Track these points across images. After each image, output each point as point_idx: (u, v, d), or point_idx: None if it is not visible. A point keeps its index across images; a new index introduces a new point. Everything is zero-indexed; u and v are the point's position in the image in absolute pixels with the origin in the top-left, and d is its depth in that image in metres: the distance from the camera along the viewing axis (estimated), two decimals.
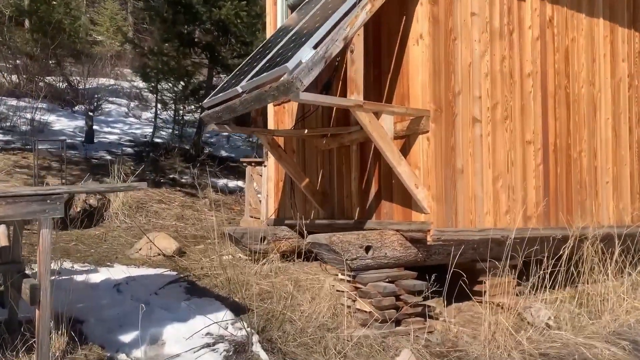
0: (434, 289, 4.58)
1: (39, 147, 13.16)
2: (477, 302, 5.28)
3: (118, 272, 5.50)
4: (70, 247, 6.51)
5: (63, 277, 5.20)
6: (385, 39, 5.02)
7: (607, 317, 5.06)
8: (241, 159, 7.80)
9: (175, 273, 5.68)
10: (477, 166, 4.82)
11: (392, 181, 4.87)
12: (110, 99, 21.11)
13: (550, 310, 4.95)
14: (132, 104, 20.69)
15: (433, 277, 4.72)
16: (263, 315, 4.64)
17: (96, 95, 20.18)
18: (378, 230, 4.82)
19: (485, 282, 5.21)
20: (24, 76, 18.73)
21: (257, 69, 4.57)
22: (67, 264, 5.83)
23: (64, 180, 7.88)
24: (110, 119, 18.73)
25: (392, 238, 4.74)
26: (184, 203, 9.53)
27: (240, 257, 6.56)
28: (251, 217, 7.27)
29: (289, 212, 6.34)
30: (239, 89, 4.51)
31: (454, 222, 4.65)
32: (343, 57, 5.25)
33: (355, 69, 4.11)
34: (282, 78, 3.91)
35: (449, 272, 4.60)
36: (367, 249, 4.60)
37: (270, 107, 6.77)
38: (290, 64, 3.81)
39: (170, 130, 16.27)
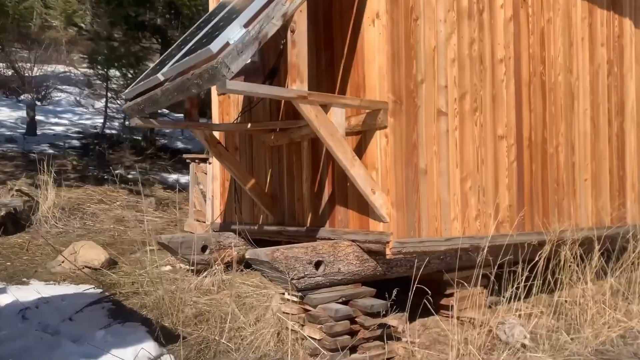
0: (395, 303, 3.98)
1: None
2: (445, 317, 4.71)
3: (31, 291, 4.70)
4: None
5: None
6: (337, 16, 4.32)
7: (588, 331, 4.53)
8: (184, 155, 7.03)
9: (99, 291, 4.92)
10: (442, 165, 4.19)
11: (347, 184, 4.21)
12: (61, 87, 19.87)
13: (526, 326, 4.39)
14: (84, 92, 19.46)
15: (394, 292, 4.10)
16: (195, 345, 3.95)
17: (45, 84, 18.93)
18: (331, 240, 4.15)
19: (453, 295, 4.63)
20: None
21: (183, 51, 3.83)
22: None
23: None
24: (59, 109, 17.56)
25: (347, 250, 4.09)
26: (127, 203, 8.70)
27: (181, 267, 5.83)
28: (196, 220, 6.53)
29: (240, 214, 5.63)
30: (160, 76, 3.77)
31: (417, 231, 4.02)
32: None
33: (298, 52, 3.41)
34: (207, 64, 3.18)
35: (412, 287, 3.97)
36: (318, 264, 3.94)
37: (215, 97, 6.02)
38: (215, 46, 3.09)
39: (122, 121, 15.26)
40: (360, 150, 4.10)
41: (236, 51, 3.09)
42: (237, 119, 5.18)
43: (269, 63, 5.04)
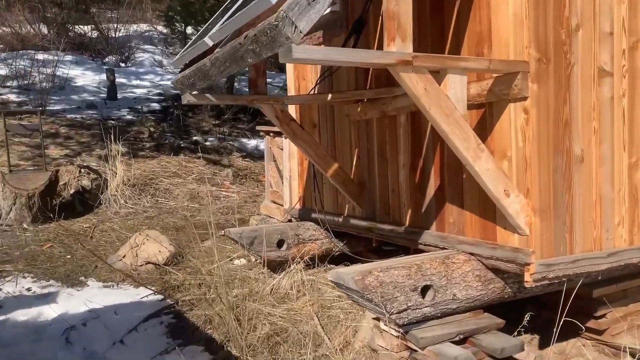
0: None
1: (53, 108, 11.93)
2: (592, 341, 3.57)
3: (85, 298, 4.05)
4: (42, 252, 5.14)
5: (10, 313, 3.81)
6: None
7: None
8: (257, 127, 6.12)
9: (160, 298, 4.19)
10: (604, 149, 2.93)
11: (462, 175, 3.08)
12: (144, 47, 19.61)
13: None
14: (166, 51, 19.04)
15: (526, 317, 3.01)
16: None
17: (128, 44, 18.71)
18: (441, 253, 3.07)
19: (606, 317, 3.46)
20: (53, 26, 17.41)
21: (236, 5, 2.80)
22: (25, 282, 4.45)
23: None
24: (141, 70, 17.27)
25: (465, 268, 3.00)
26: (203, 174, 8.01)
27: (256, 261, 5.00)
28: (273, 202, 5.65)
29: (321, 200, 4.65)
30: (208, 40, 2.78)
31: (569, 245, 2.84)
32: None
33: None
34: (264, 21, 2.14)
35: (560, 316, 2.85)
36: (424, 290, 2.89)
37: None
38: None
39: None
40: (483, 132, 2.93)
41: (305, 1, 2.01)
42: (314, 87, 4.11)
43: (353, 12, 3.90)
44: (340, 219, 4.32)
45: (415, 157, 3.51)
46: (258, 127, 5.91)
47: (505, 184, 2.67)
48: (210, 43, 2.77)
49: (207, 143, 9.83)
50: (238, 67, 2.60)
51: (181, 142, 9.64)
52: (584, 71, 2.84)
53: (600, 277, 3.06)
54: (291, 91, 4.87)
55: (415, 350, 2.91)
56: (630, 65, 3.00)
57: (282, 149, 5.33)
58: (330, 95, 3.71)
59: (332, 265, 4.60)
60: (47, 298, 4.07)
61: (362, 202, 4.07)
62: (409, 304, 2.81)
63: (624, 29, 2.96)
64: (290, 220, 5.17)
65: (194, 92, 3.41)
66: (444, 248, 3.28)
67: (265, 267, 4.66)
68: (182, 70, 3.38)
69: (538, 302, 3.73)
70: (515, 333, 3.19)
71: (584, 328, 2.99)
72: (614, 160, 2.97)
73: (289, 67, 4.99)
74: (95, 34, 18.40)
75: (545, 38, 2.70)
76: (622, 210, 3.01)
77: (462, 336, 2.92)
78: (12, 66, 13.85)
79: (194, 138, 10.01)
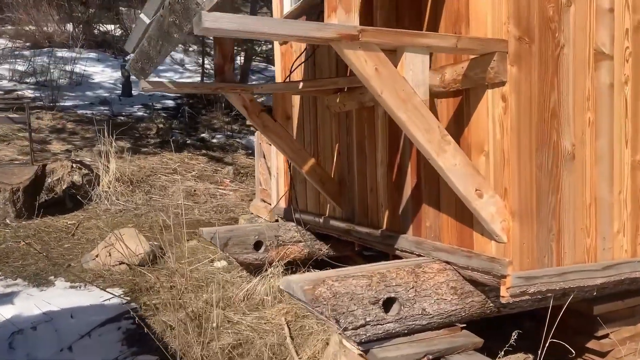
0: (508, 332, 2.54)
1: (65, 104, 11.89)
2: None
3: (45, 299, 3.81)
4: (17, 249, 4.94)
5: None
6: None
7: None
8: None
9: (124, 301, 3.92)
10: (601, 144, 2.52)
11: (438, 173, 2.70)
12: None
13: None
14: (188, 49, 18.95)
15: (513, 335, 2.63)
16: None
17: None
18: (410, 263, 2.70)
19: (608, 337, 3.04)
20: (78, 24, 17.50)
21: None
22: None
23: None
24: (160, 68, 17.24)
25: (438, 279, 2.63)
26: (204, 172, 7.76)
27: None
28: (262, 200, 5.34)
29: (305, 199, 4.33)
30: (143, 17, 2.48)
31: (555, 256, 2.44)
32: None
33: None
34: None
35: (545, 337, 2.48)
36: (388, 303, 2.53)
37: (277, 47, 4.67)
38: None
39: None
40: (460, 123, 2.56)
41: None
42: (288, 75, 3.77)
43: None
44: (321, 220, 3.98)
45: (392, 153, 3.14)
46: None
47: (478, 182, 2.29)
48: (146, 20, 2.48)
49: (214, 140, 9.60)
50: (171, 45, 2.30)
51: (187, 139, 9.43)
52: (578, 53, 2.44)
53: (595, 293, 2.65)
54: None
55: None
56: (635, 48, 2.58)
57: (270, 145, 5.01)
58: (301, 84, 3.38)
59: (316, 270, 4.26)
60: (5, 299, 3.85)
61: (341, 201, 3.73)
62: (368, 319, 2.46)
63: (627, 5, 2.54)
64: (277, 221, 4.86)
65: (148, 80, 3.12)
66: (419, 255, 2.91)
67: (244, 271, 4.36)
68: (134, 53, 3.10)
69: (538, 317, 3.33)
70: (502, 353, 2.82)
71: (573, 352, 2.57)
72: (613, 158, 2.55)
73: (276, 59, 4.68)
74: (118, 31, 18.44)
75: (528, 13, 2.31)
76: (622, 216, 2.59)
77: (430, 357, 2.54)
78: (32, 63, 13.92)
79: (202, 135, 9.79)
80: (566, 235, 2.45)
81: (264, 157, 5.27)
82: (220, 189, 7.13)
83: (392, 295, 2.53)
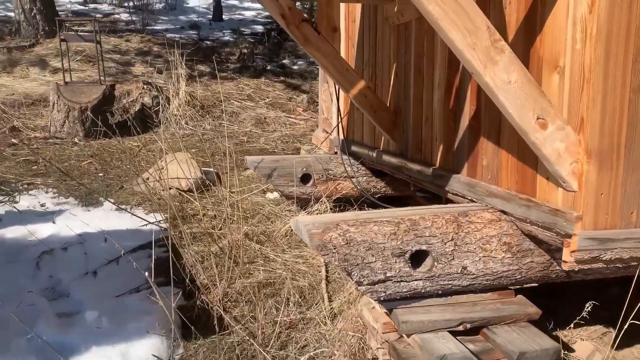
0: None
1: (155, 27, 11.94)
2: None
3: (86, 219, 3.72)
4: (78, 167, 4.93)
5: (2, 229, 3.60)
6: None
7: None
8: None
9: (163, 227, 3.74)
10: None
11: None
12: None
13: None
14: None
15: (587, 307, 2.11)
16: (226, 349, 2.50)
17: None
18: (455, 210, 2.17)
19: None
20: None
21: None
22: (43, 197, 4.25)
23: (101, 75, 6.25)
24: None
25: (488, 231, 2.09)
26: (278, 99, 7.41)
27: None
28: (324, 131, 4.89)
29: (361, 130, 3.84)
30: None
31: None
32: None
33: None
34: None
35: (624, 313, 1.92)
36: (417, 257, 2.05)
37: None
38: None
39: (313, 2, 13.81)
40: (530, 30, 1.92)
41: None
42: None
43: None
44: (374, 154, 3.49)
45: (452, 73, 2.54)
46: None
47: (541, 107, 1.68)
48: None
49: (295, 67, 9.17)
50: None
51: (267, 65, 9.08)
52: None
53: None
54: (342, 35, 4.05)
55: (398, 338, 2.11)
56: None
57: None
58: None
59: (370, 209, 3.83)
60: (49, 216, 3.81)
61: (395, 133, 3.19)
62: (389, 274, 2.00)
63: None
64: (336, 153, 4.42)
65: None
66: (472, 200, 2.36)
67: (295, 204, 4.02)
68: None
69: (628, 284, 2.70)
70: (572, 325, 2.30)
71: None
72: None
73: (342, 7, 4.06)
74: None
75: None
76: None
77: (468, 325, 2.06)
78: None
79: (283, 61, 9.40)
80: None
81: (327, 82, 4.77)
82: (291, 117, 6.77)
83: (424, 247, 2.03)
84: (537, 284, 2.24)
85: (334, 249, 1.95)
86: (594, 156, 1.71)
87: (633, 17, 1.66)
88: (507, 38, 2.08)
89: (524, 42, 1.97)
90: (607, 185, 1.74)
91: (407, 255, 2.02)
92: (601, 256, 1.75)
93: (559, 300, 2.91)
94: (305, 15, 2.99)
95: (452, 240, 2.05)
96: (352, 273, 1.96)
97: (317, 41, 3.01)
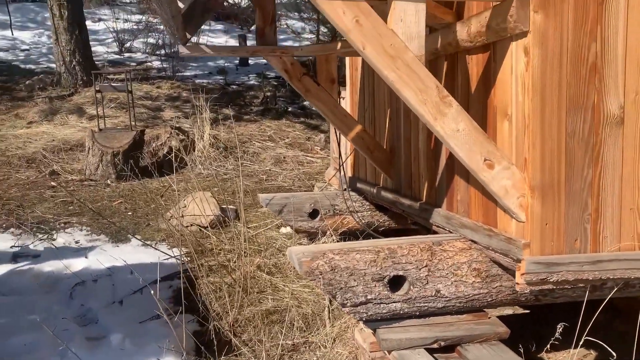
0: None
1: (185, 74, 12.64)
2: None
3: (115, 254, 4.11)
4: (110, 207, 5.37)
5: (41, 263, 4.01)
6: None
7: None
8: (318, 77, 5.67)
9: (182, 261, 4.08)
10: None
11: None
12: (292, 14, 19.91)
13: None
14: (308, 15, 19.08)
15: (558, 328, 2.32)
16: None
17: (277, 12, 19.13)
18: (429, 240, 2.44)
19: None
20: None
21: None
22: (78, 235, 4.67)
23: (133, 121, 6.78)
24: (281, 37, 17.62)
25: (459, 258, 2.36)
26: (297, 139, 7.82)
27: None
28: (335, 168, 5.23)
29: (364, 168, 4.15)
30: None
31: (591, 239, 2.05)
32: None
33: None
34: None
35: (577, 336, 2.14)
36: (395, 281, 2.32)
37: None
38: None
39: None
40: (486, 83, 2.24)
41: None
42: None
43: None
44: (375, 190, 3.79)
45: None
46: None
47: (488, 151, 1.98)
48: None
49: (314, 108, 9.61)
50: (167, 3, 2.26)
51: (289, 107, 9.55)
52: None
53: None
54: (347, 82, 4.50)
55: (383, 357, 2.37)
56: None
57: None
58: (340, 44, 3.18)
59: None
60: (83, 252, 4.21)
61: (390, 171, 3.50)
62: (369, 297, 2.28)
63: None
64: (344, 190, 4.73)
65: (188, 44, 3.14)
66: (450, 231, 2.64)
67: (306, 238, 4.32)
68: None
69: (612, 307, 2.90)
70: (548, 347, 2.51)
71: None
72: None
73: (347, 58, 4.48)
74: (245, 2, 19.06)
75: None
76: None
77: (442, 343, 2.31)
78: (162, 36, 14.92)
79: (304, 103, 9.85)
80: (607, 216, 2.05)
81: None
82: (308, 156, 7.14)
83: (401, 273, 2.31)
84: (509, 306, 2.48)
85: (320, 274, 2.25)
86: (537, 191, 1.99)
87: (563, 74, 1.96)
88: (471, 88, 2.40)
89: (483, 92, 2.28)
90: (551, 216, 2.01)
91: (386, 280, 2.30)
92: (549, 278, 2.01)
93: (548, 326, 3.12)
94: (308, 65, 3.37)
95: (426, 266, 2.33)
96: (337, 296, 2.25)
97: (317, 91, 3.38)
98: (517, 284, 2.04)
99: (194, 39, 14.00)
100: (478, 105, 2.32)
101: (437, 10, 2.28)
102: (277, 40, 3.38)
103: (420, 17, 1.88)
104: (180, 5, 2.65)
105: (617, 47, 1.98)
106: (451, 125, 1.94)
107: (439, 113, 1.92)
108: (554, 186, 2.00)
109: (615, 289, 2.11)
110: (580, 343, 2.19)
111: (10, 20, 14.07)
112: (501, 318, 2.58)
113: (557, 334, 2.37)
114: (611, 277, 2.05)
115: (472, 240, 2.40)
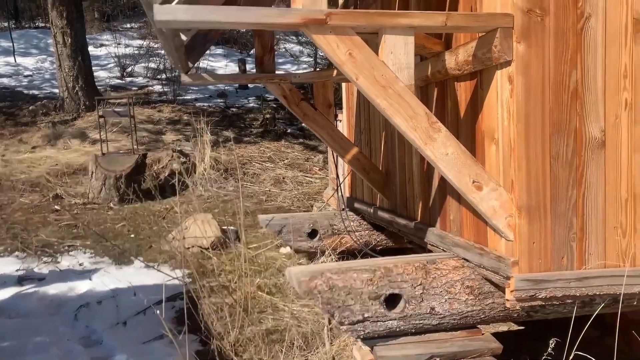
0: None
1: (186, 97, 12.82)
2: None
3: (118, 276, 4.19)
4: (113, 230, 5.46)
5: (46, 285, 4.09)
6: None
7: None
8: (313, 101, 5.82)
9: (184, 282, 4.16)
10: None
11: None
12: (290, 37, 20.19)
13: None
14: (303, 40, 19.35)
15: (551, 344, 2.39)
16: None
17: (275, 37, 19.42)
18: (423, 259, 2.54)
19: None
20: None
21: None
22: (82, 257, 4.75)
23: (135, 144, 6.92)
24: (279, 61, 17.85)
25: (452, 276, 2.44)
26: (296, 160, 7.94)
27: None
28: (333, 189, 5.34)
29: (362, 188, 4.26)
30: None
31: (577, 257, 2.15)
32: None
33: None
34: None
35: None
36: (391, 300, 2.41)
37: None
38: None
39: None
40: (474, 109, 2.35)
41: None
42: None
43: None
44: (372, 210, 3.89)
45: None
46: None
47: (475, 173, 2.09)
48: None
49: (312, 131, 9.76)
50: (166, 40, 2.38)
51: (288, 129, 9.69)
52: (610, 24, 2.10)
53: (636, 302, 2.28)
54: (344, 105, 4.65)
55: None
56: None
57: None
58: (335, 71, 3.31)
59: None
60: (87, 274, 4.29)
61: (386, 192, 3.60)
62: (367, 315, 2.36)
63: None
64: (343, 209, 4.83)
65: (189, 72, 3.27)
66: (444, 250, 2.73)
67: (305, 258, 4.41)
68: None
69: (603, 324, 2.97)
70: None
71: None
72: None
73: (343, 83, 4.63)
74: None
75: None
76: None
77: (437, 359, 2.39)
78: (163, 60, 15.14)
79: (302, 124, 10.00)
80: (592, 234, 2.14)
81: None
82: (307, 176, 7.25)
83: (396, 291, 2.40)
84: (502, 321, 2.56)
85: (319, 293, 2.33)
86: (523, 211, 2.09)
87: (546, 100, 2.07)
88: (460, 113, 2.51)
89: (471, 117, 2.39)
90: (538, 235, 2.11)
91: (382, 298, 2.38)
92: (537, 295, 2.09)
93: (544, 341, 3.19)
94: (307, 88, 3.50)
95: (421, 284, 2.41)
96: (334, 314, 2.33)
97: (315, 115, 3.50)
98: (507, 300, 2.13)
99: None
100: (467, 129, 2.43)
101: (426, 41, 2.40)
102: (276, 67, 3.51)
103: (409, 49, 2.00)
104: (183, 38, 2.78)
105: (596, 74, 2.10)
106: (440, 149, 2.05)
107: (428, 138, 2.03)
108: (540, 206, 2.10)
109: (602, 305, 2.20)
110: (571, 358, 2.27)
111: (14, 47, 14.32)
112: (497, 334, 2.66)
113: (549, 349, 2.45)
114: (597, 293, 2.13)
115: (465, 259, 2.49)
